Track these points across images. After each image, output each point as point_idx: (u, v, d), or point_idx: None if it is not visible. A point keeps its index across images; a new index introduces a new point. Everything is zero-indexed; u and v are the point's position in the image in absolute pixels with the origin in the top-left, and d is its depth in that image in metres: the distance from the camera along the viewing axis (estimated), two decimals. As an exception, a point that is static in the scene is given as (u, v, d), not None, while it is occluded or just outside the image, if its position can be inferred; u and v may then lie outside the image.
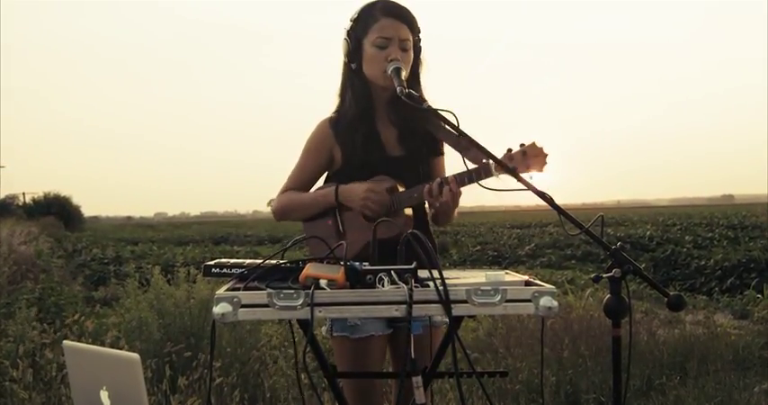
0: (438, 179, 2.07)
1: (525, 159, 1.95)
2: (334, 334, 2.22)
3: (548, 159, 1.96)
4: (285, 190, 2.32)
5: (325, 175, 2.33)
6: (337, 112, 2.29)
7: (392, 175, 2.19)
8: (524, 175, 1.86)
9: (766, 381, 4.56)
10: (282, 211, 2.30)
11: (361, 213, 2.14)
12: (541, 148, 1.96)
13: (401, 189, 2.17)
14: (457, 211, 2.24)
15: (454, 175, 2.05)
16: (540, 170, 1.95)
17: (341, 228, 2.21)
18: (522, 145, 1.96)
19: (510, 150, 1.97)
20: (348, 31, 2.20)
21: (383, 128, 2.27)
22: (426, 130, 2.25)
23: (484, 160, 1.97)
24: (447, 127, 1.96)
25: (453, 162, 2.29)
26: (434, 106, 2.25)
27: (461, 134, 1.88)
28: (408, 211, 2.19)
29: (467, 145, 2.02)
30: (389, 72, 2.10)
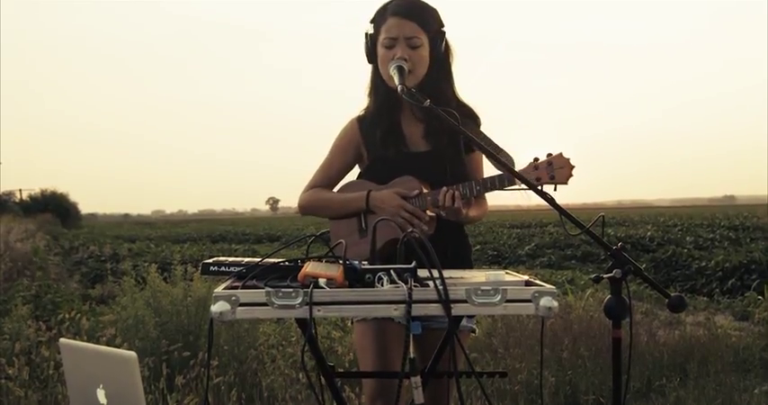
0: (444, 189, 2.06)
1: (550, 170, 1.93)
2: (355, 320, 2.27)
3: (573, 171, 1.93)
4: (312, 186, 2.34)
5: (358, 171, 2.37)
6: (365, 110, 2.32)
7: (415, 171, 2.19)
8: (549, 188, 1.89)
9: (766, 382, 4.57)
10: (308, 208, 2.33)
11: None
12: (568, 160, 1.93)
13: (425, 190, 2.16)
14: (478, 212, 2.25)
15: (483, 182, 2.06)
16: (565, 182, 1.92)
17: (363, 226, 2.22)
18: (549, 154, 1.95)
19: (536, 159, 1.95)
20: (366, 33, 2.23)
21: (408, 124, 2.28)
22: (451, 127, 2.24)
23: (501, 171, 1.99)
24: (469, 134, 1.98)
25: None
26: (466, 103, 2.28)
27: (476, 140, 1.89)
28: (431, 212, 2.17)
29: (492, 152, 2.02)
30: (391, 70, 2.10)
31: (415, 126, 2.28)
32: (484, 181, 2.05)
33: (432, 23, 2.19)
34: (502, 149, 2.07)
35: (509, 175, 1.99)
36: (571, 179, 1.94)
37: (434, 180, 2.18)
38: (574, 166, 1.93)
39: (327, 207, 2.29)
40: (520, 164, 2.02)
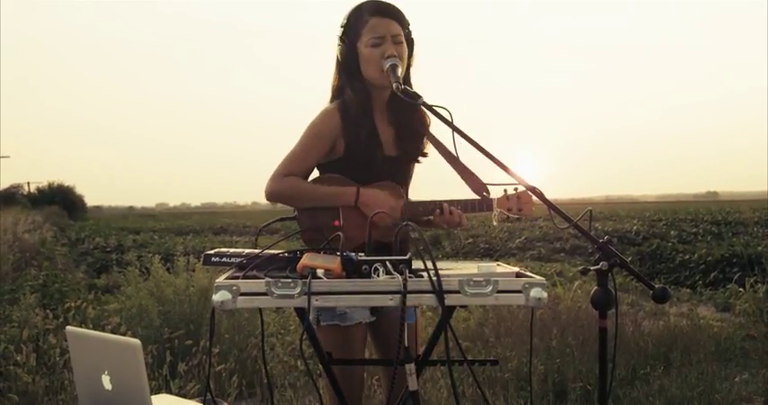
0: (447, 205, 2.13)
1: (519, 203, 2.13)
2: (322, 323, 2.20)
3: (534, 209, 2.14)
4: (288, 174, 2.20)
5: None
6: (343, 104, 2.22)
7: (388, 175, 2.21)
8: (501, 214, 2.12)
9: (747, 371, 4.59)
10: (285, 196, 2.21)
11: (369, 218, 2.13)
12: (531, 197, 2.11)
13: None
14: None
15: (463, 202, 2.15)
16: (530, 215, 2.15)
17: (341, 221, 2.17)
18: (515, 189, 2.11)
19: (506, 191, 2.13)
20: (341, 37, 2.20)
21: (382, 127, 2.26)
22: (420, 133, 2.28)
23: (485, 194, 2.15)
24: (449, 150, 2.10)
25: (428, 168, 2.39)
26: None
27: (471, 140, 1.92)
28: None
29: (467, 171, 2.16)
30: (386, 69, 2.10)
31: (388, 130, 2.27)
32: (488, 201, 2.16)
33: (405, 22, 2.22)
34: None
35: (490, 204, 2.16)
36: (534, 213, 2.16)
37: (399, 185, 2.22)
38: (534, 203, 2.13)
39: (308, 199, 2.17)
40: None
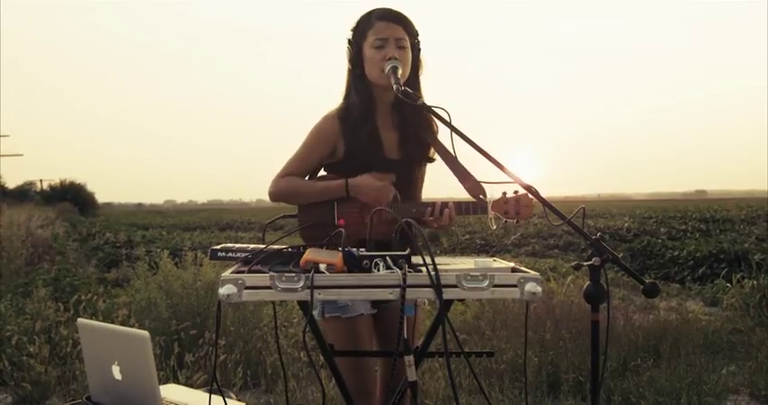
0: (440, 204, 2.10)
1: (518, 207, 2.08)
2: (326, 315, 2.21)
3: (533, 211, 2.10)
4: (286, 175, 2.26)
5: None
6: (344, 108, 2.25)
7: None
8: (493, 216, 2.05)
9: (733, 363, 4.60)
10: (283, 195, 2.26)
11: (367, 204, 2.13)
12: (531, 200, 2.05)
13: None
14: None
15: (456, 204, 2.11)
16: (527, 219, 2.09)
17: (336, 215, 2.19)
18: (515, 192, 2.07)
19: (504, 193, 2.08)
20: (349, 40, 2.23)
21: (384, 130, 2.25)
22: (424, 138, 2.27)
23: (481, 196, 2.11)
24: (449, 152, 2.07)
25: (435, 170, 2.37)
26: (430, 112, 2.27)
27: (471, 141, 1.90)
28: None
29: (466, 174, 2.12)
30: (387, 70, 2.09)
31: (391, 133, 2.26)
32: (482, 203, 2.11)
33: (413, 32, 2.22)
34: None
35: (484, 206, 2.10)
36: (531, 217, 2.11)
37: (402, 187, 2.21)
38: (534, 206, 2.08)
39: (306, 194, 2.22)
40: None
